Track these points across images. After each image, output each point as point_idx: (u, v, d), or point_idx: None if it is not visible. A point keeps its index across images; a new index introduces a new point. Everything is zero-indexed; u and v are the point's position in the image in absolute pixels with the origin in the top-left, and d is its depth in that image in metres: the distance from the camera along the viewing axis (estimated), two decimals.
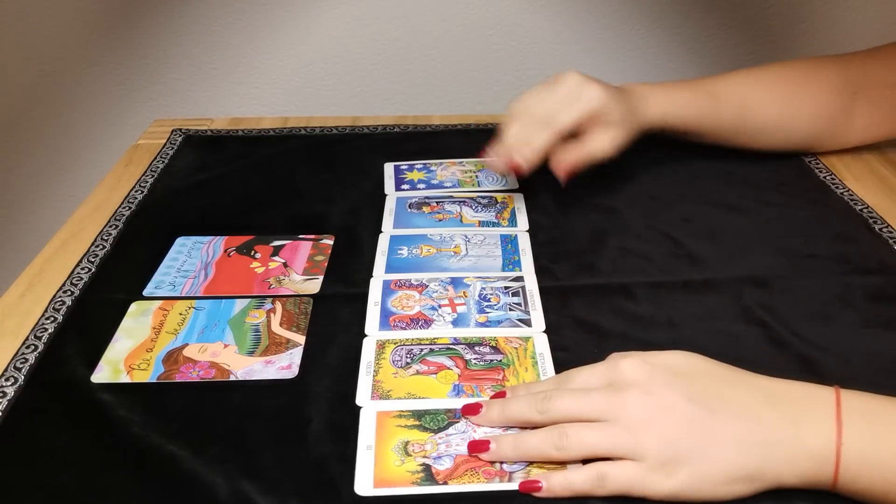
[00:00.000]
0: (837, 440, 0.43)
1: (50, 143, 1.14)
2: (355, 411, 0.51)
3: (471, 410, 0.49)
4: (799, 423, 0.44)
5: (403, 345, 0.56)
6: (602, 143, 0.68)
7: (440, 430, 0.49)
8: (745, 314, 0.60)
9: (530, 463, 0.47)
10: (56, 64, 1.09)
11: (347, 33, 1.07)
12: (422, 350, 0.56)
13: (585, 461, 0.46)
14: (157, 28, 1.07)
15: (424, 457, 0.47)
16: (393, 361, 0.54)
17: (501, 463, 0.47)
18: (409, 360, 0.55)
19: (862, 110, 0.74)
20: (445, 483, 0.45)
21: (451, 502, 0.45)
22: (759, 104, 0.73)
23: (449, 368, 0.54)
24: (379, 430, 0.49)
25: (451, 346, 0.56)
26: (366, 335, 0.58)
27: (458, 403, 0.51)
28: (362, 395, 0.52)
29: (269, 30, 1.07)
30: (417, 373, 0.53)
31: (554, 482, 0.45)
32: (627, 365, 0.47)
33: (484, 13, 1.06)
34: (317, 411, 0.51)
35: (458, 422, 0.50)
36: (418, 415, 0.50)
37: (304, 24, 1.07)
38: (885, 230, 0.70)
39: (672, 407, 0.45)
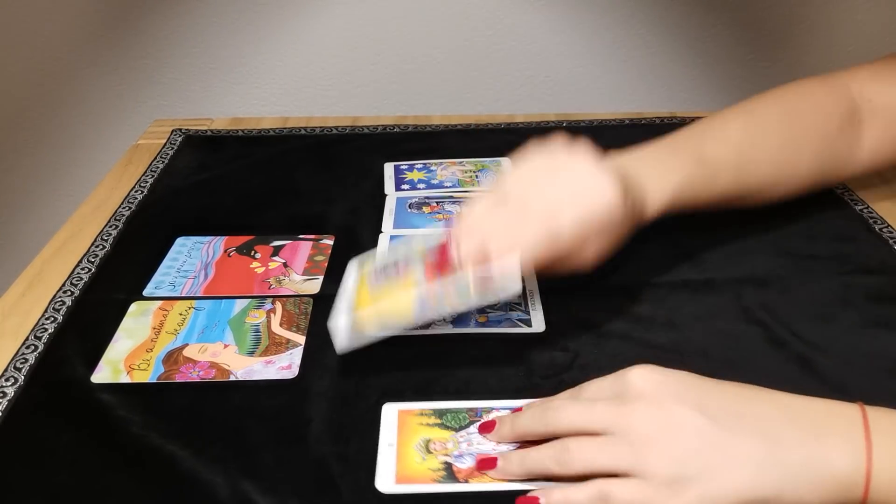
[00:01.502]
0: (867, 461, 0.40)
1: (50, 143, 1.14)
2: (354, 410, 0.51)
3: (486, 428, 0.49)
4: (823, 441, 0.40)
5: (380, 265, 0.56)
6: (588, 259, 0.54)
7: (461, 428, 0.49)
8: (745, 314, 0.60)
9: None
10: (56, 64, 1.09)
11: (347, 33, 1.07)
12: (396, 262, 0.55)
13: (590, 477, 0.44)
14: (157, 28, 1.07)
15: (446, 455, 0.47)
16: (370, 284, 0.54)
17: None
18: (383, 275, 0.54)
19: (868, 140, 0.66)
20: (466, 481, 0.45)
21: (471, 500, 0.45)
22: (755, 164, 0.63)
23: (412, 268, 0.54)
24: (401, 428, 0.49)
25: (424, 251, 0.56)
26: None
27: (422, 316, 0.51)
28: (340, 337, 0.52)
29: (269, 30, 1.07)
30: (389, 279, 0.53)
31: (553, 498, 0.43)
32: (636, 376, 0.44)
33: (484, 13, 1.06)
34: (317, 411, 0.51)
35: (479, 420, 0.50)
36: (440, 413, 0.50)
37: (304, 24, 1.07)
38: (885, 230, 0.70)
39: (682, 422, 0.42)
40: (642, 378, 0.44)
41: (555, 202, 0.52)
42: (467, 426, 0.49)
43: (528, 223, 0.51)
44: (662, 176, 0.58)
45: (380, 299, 0.52)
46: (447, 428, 0.49)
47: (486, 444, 0.48)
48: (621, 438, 0.42)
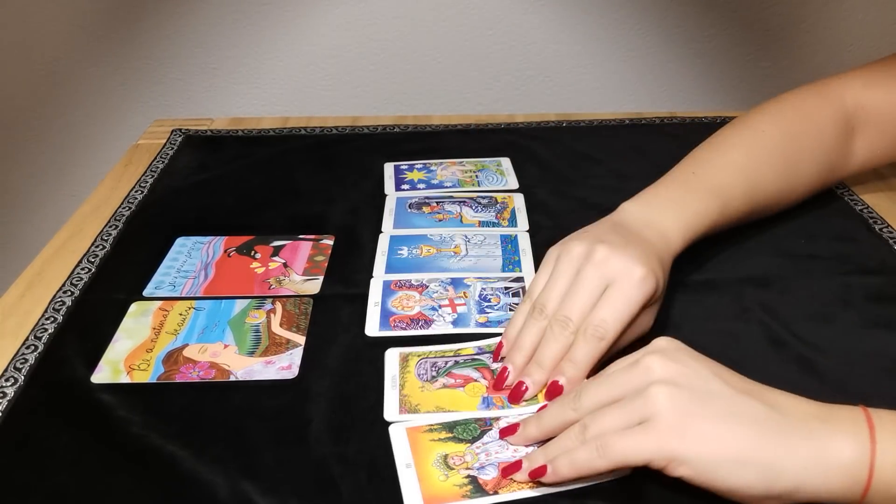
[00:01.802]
0: (871, 446, 0.40)
1: (50, 143, 1.15)
2: (354, 410, 0.51)
3: (509, 431, 0.48)
4: (829, 425, 0.41)
5: (427, 357, 0.55)
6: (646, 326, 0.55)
7: (475, 439, 0.48)
8: (745, 314, 0.60)
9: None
10: (56, 64, 1.09)
11: (347, 33, 1.07)
12: (447, 363, 0.55)
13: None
14: (158, 28, 1.07)
15: (467, 469, 0.46)
16: (418, 375, 0.54)
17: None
18: (434, 373, 0.54)
19: (861, 145, 0.69)
20: (496, 493, 0.45)
21: None
22: (762, 185, 0.65)
23: (476, 381, 0.53)
24: (413, 447, 0.48)
25: (476, 357, 0.55)
26: (369, 335, 0.58)
27: (489, 415, 0.50)
28: (390, 410, 0.51)
29: (269, 30, 1.07)
30: (444, 386, 0.53)
31: (559, 463, 0.43)
32: (657, 340, 0.46)
33: (484, 13, 1.06)
34: (317, 411, 0.51)
35: (490, 429, 0.49)
36: (449, 427, 0.49)
37: (304, 24, 1.07)
38: (885, 230, 0.70)
39: (695, 375, 0.43)
40: (661, 340, 0.46)
41: (591, 308, 0.51)
42: (480, 436, 0.48)
43: (579, 344, 0.51)
44: (680, 215, 0.59)
45: (435, 394, 0.52)
46: (461, 441, 0.48)
47: (505, 452, 0.47)
48: (637, 393, 0.43)
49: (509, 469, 0.46)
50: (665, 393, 0.42)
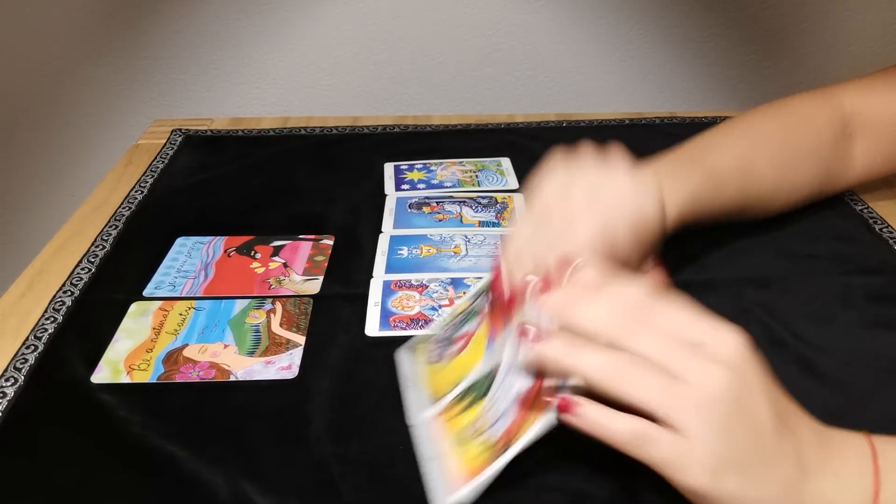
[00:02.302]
0: (874, 493, 0.40)
1: (50, 143, 1.15)
2: (354, 410, 0.51)
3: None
4: (839, 476, 0.41)
5: (430, 341, 0.55)
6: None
7: (484, 395, 0.47)
8: (745, 314, 0.60)
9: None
10: (56, 64, 1.09)
11: (347, 33, 1.07)
12: (446, 332, 0.54)
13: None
14: (158, 28, 1.07)
15: (484, 433, 0.45)
16: (429, 361, 0.53)
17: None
18: (439, 351, 0.53)
19: (860, 153, 0.68)
20: (510, 445, 0.43)
21: (526, 459, 0.43)
22: (758, 175, 0.64)
23: (475, 333, 0.52)
24: (437, 436, 0.48)
25: (472, 310, 0.53)
26: (369, 335, 0.58)
27: (496, 356, 0.48)
28: (416, 411, 0.50)
29: (269, 30, 1.07)
30: (451, 357, 0.52)
31: (590, 413, 0.40)
32: (732, 338, 0.41)
33: (484, 13, 1.06)
34: (317, 411, 0.51)
35: (495, 373, 0.48)
36: (460, 397, 0.49)
37: (304, 24, 1.07)
38: (885, 230, 0.70)
39: (752, 410, 0.40)
40: (735, 343, 0.41)
41: (605, 212, 0.51)
42: (487, 391, 0.47)
43: (581, 224, 0.50)
44: (676, 188, 0.58)
45: (447, 370, 0.51)
46: (475, 403, 0.47)
47: (510, 392, 0.45)
48: (686, 388, 0.39)
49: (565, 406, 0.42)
50: (715, 429, 0.39)
